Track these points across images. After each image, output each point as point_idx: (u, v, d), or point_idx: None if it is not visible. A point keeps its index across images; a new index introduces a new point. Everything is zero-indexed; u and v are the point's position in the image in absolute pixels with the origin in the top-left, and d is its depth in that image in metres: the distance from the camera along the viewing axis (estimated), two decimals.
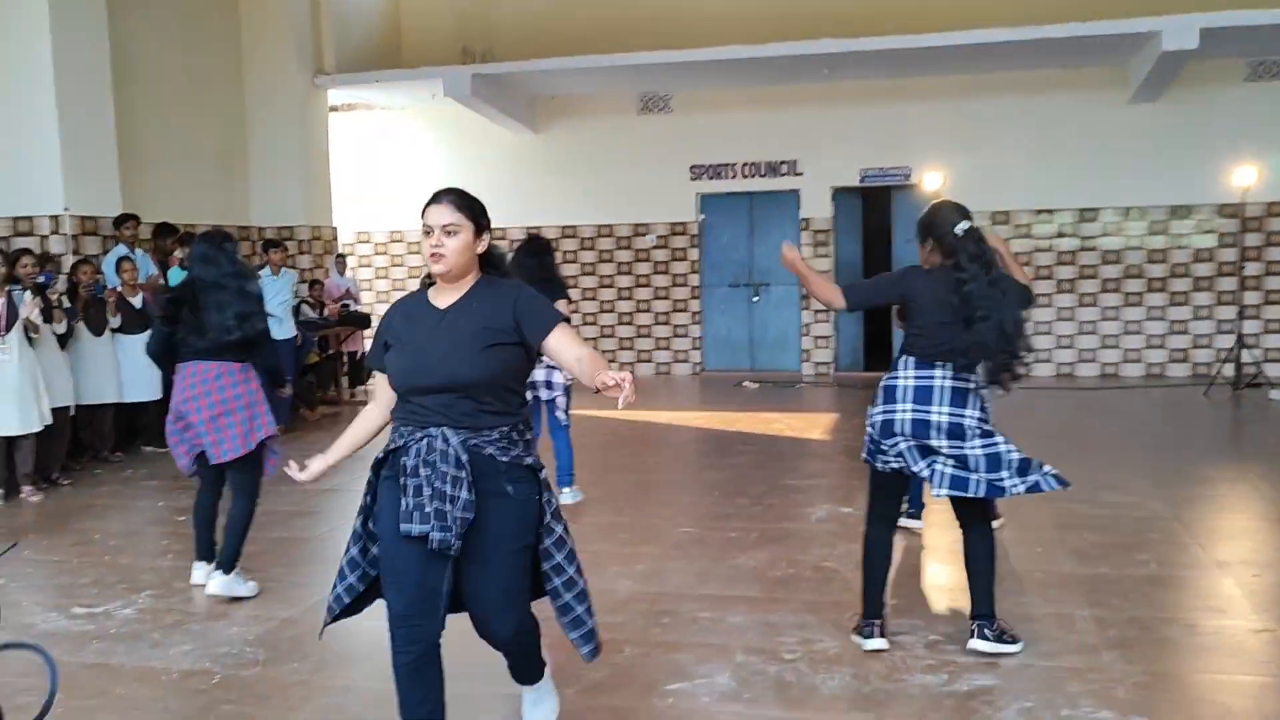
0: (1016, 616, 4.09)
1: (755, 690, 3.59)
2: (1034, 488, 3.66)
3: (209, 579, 4.73)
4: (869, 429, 3.85)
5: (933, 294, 3.76)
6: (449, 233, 2.78)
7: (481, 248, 2.86)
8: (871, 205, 13.09)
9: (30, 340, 6.96)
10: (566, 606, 2.91)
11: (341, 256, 12.31)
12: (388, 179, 13.77)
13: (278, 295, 9.19)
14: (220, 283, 4.72)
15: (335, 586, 2.92)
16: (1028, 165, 12.09)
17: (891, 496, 3.97)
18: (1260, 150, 11.06)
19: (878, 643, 3.87)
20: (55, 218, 8.66)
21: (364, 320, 11.70)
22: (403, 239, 14.03)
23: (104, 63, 8.97)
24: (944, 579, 4.80)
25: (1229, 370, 10.85)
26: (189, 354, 4.72)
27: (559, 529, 2.89)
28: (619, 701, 3.56)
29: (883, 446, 3.80)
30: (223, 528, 4.77)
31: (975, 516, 3.86)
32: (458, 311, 2.81)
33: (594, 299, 13.48)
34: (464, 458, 2.69)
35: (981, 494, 3.68)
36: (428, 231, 2.80)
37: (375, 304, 13.45)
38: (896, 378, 3.80)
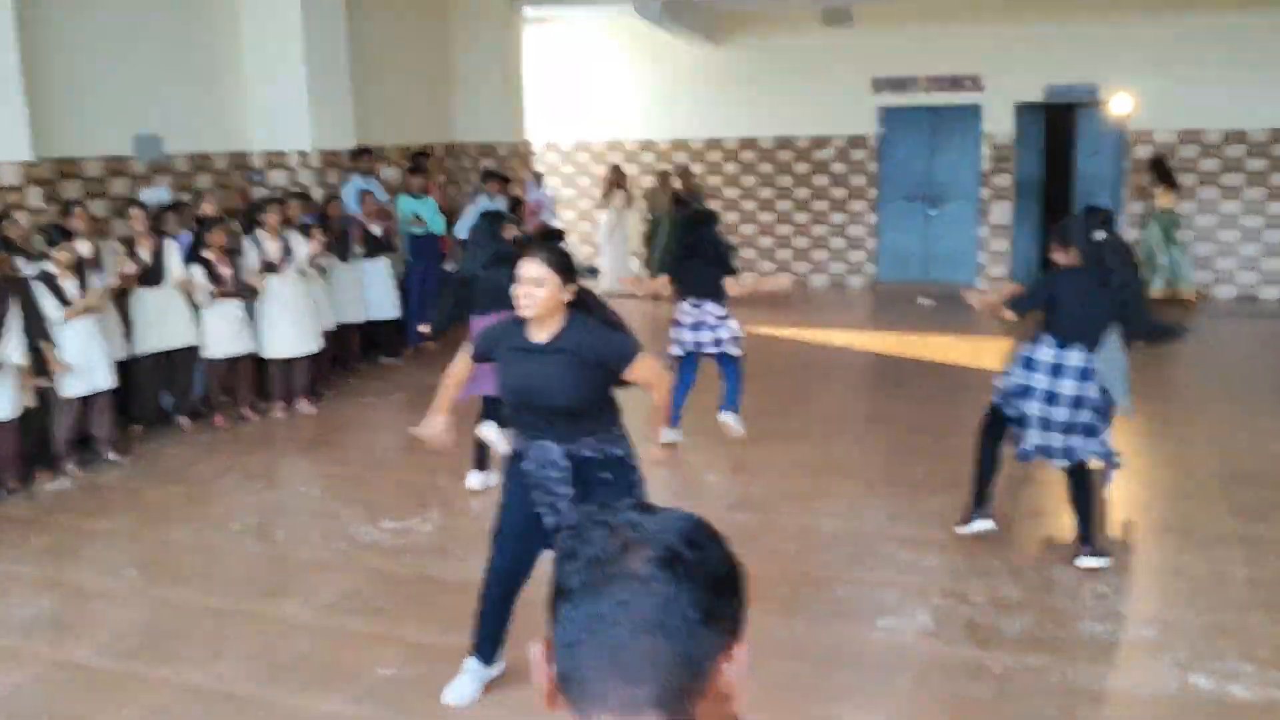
0: (1176, 572, 4.75)
1: (950, 630, 4.39)
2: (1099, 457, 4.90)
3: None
4: (1003, 384, 4.93)
5: (1075, 293, 4.73)
6: (537, 285, 3.46)
7: (567, 296, 3.52)
8: (1053, 122, 13.09)
9: (306, 272, 8.12)
10: None
11: (538, 173, 13.18)
12: (574, 90, 14.49)
13: None
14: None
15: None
16: (1219, 85, 11.87)
17: (1001, 425, 5.06)
18: None
19: (982, 525, 5.14)
20: (303, 154, 9.76)
21: (559, 234, 12.61)
22: (588, 149, 14.79)
23: (339, 6, 9.89)
24: (1121, 533, 5.44)
25: None
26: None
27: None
28: (840, 628, 4.42)
29: (1012, 402, 4.87)
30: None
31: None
32: (552, 347, 3.52)
33: (771, 210, 14.03)
34: (565, 463, 3.55)
35: (1061, 461, 4.82)
36: (519, 282, 3.48)
37: (564, 211, 14.36)
38: (1036, 353, 4.79)
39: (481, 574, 3.83)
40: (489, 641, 3.83)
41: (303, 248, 8.09)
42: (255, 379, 8.07)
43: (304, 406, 8.20)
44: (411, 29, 11.74)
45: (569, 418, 3.54)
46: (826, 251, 13.93)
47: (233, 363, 7.82)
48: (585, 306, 3.63)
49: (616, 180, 13.37)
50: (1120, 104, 11.47)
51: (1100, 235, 4.76)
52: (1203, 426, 7.09)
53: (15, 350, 6.11)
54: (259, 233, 7.95)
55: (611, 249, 13.52)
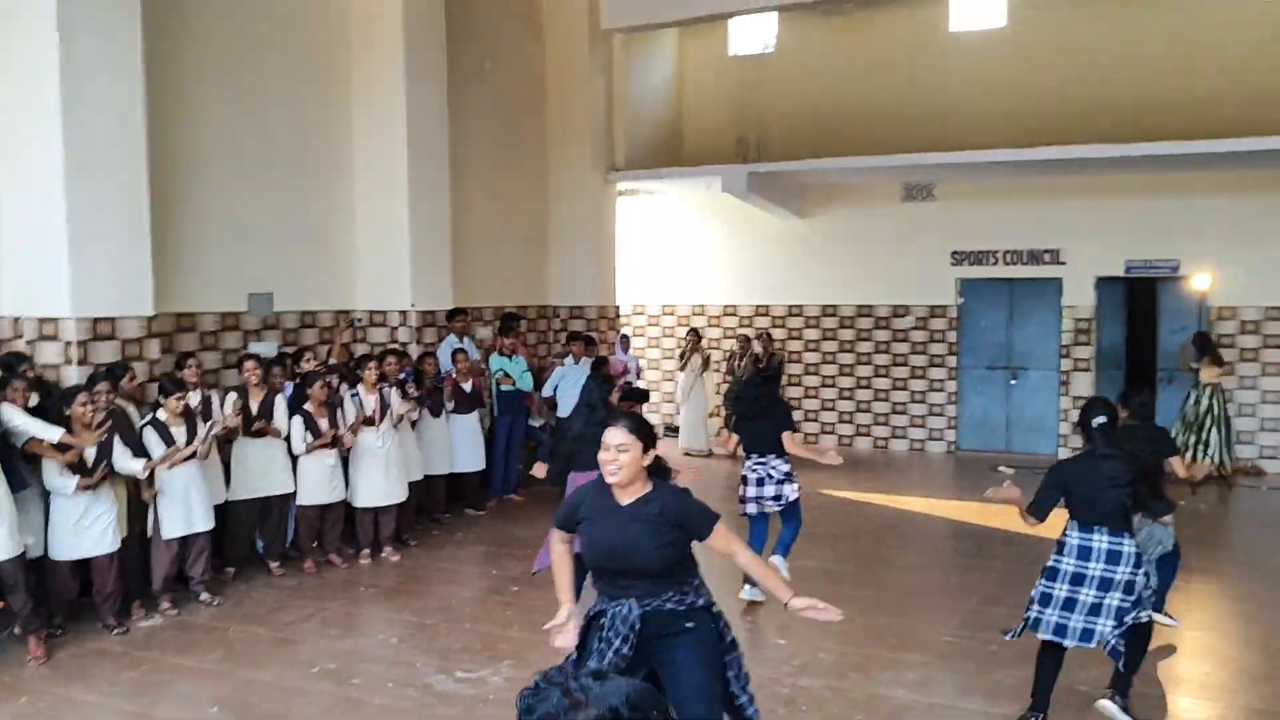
0: None
1: None
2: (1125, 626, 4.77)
3: None
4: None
5: (1081, 478, 4.90)
6: (621, 450, 3.66)
7: (648, 461, 3.72)
8: (1136, 294, 13.18)
9: (398, 425, 8.52)
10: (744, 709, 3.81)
11: (625, 336, 13.64)
12: (663, 257, 15.09)
13: (578, 382, 10.53)
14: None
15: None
16: None
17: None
18: None
19: None
20: (403, 313, 10.33)
21: (644, 395, 12.91)
22: (673, 312, 15.29)
23: (444, 173, 10.58)
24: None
25: None
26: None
27: (736, 652, 3.79)
28: None
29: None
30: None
31: None
32: (636, 511, 3.69)
33: (850, 374, 14.23)
34: (637, 625, 3.62)
35: (1088, 643, 4.78)
36: (605, 449, 3.67)
37: (648, 372, 14.75)
38: (1065, 544, 4.93)
39: None
40: None
41: (398, 403, 8.51)
42: (344, 526, 8.40)
43: (389, 554, 8.47)
44: (511, 197, 12.47)
45: (652, 579, 3.67)
46: (906, 417, 14.00)
47: (324, 510, 8.17)
48: (663, 474, 3.86)
49: (694, 343, 13.76)
50: (1201, 281, 11.53)
51: (1100, 420, 4.94)
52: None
53: (130, 461, 6.54)
54: (359, 387, 8.41)
55: (688, 409, 13.81)
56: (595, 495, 3.82)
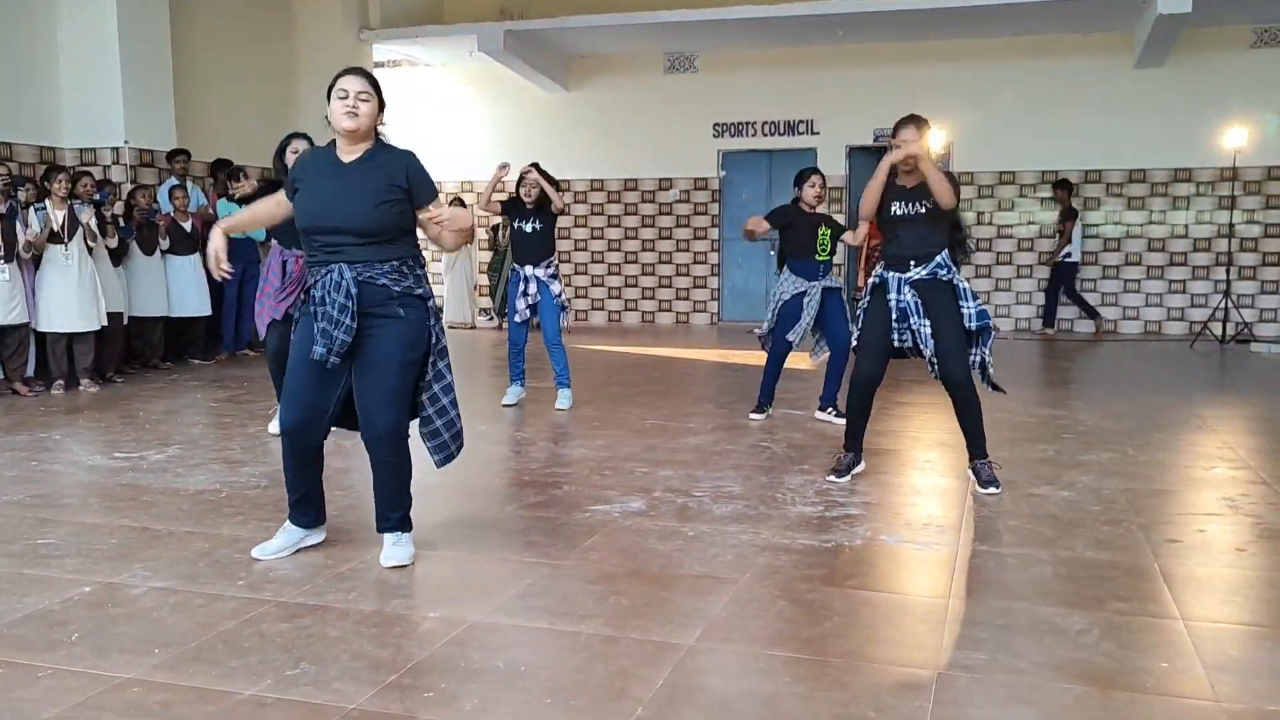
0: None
1: (660, 511, 4.30)
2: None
3: None
4: None
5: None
6: (362, 98, 3.42)
7: (381, 121, 3.51)
8: None
9: (89, 249, 7.86)
10: (429, 424, 3.58)
11: None
12: (427, 132, 14.58)
13: None
14: None
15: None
16: (1034, 128, 12.55)
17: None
18: (1261, 114, 11.44)
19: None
20: (116, 149, 9.56)
21: None
22: (441, 188, 14.81)
23: (163, 7, 9.84)
24: None
25: (1219, 327, 11.27)
26: None
27: (442, 366, 3.57)
28: (549, 514, 4.29)
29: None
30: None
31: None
32: (358, 167, 3.44)
33: (618, 250, 14.20)
34: (353, 290, 3.35)
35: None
36: (343, 95, 3.42)
37: None
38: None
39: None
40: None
41: (90, 220, 7.84)
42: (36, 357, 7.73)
43: (87, 386, 7.85)
44: (250, 43, 11.68)
45: (367, 243, 3.38)
46: (671, 290, 14.10)
47: (3, 333, 7.47)
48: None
49: None
50: (938, 146, 11.98)
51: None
52: None
53: None
54: (46, 202, 7.70)
55: (451, 282, 13.48)
56: (315, 159, 3.54)
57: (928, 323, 4.46)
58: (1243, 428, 6.57)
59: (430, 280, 3.69)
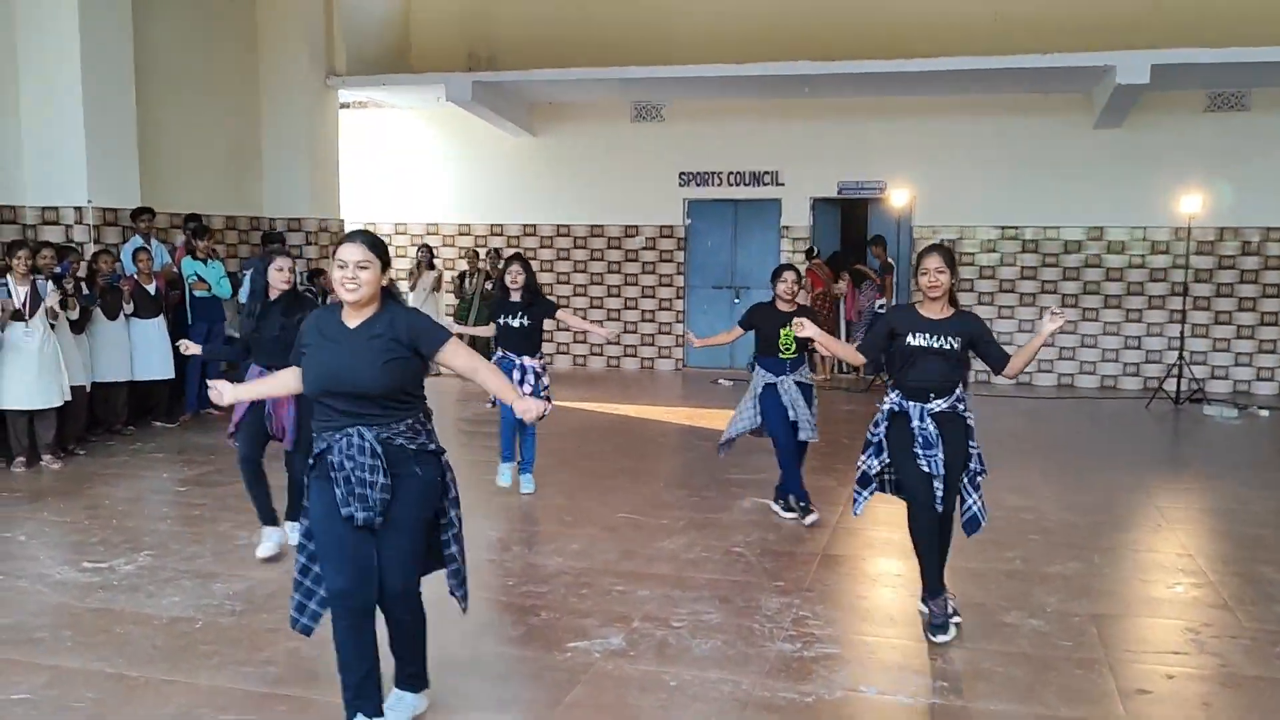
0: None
1: (640, 649, 4.33)
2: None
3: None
4: None
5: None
6: (361, 267, 3.34)
7: (385, 281, 3.43)
8: (849, 215, 13.77)
9: (52, 325, 7.75)
10: (456, 574, 3.60)
11: None
12: (394, 174, 14.54)
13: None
14: None
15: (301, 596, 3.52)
16: (994, 184, 12.78)
17: None
18: (1214, 178, 11.73)
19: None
20: (79, 209, 9.44)
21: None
22: (406, 230, 14.78)
23: (128, 62, 9.73)
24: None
25: (1172, 385, 11.52)
26: None
27: (453, 513, 3.56)
28: (527, 653, 4.31)
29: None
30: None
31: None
32: (363, 332, 3.37)
33: (584, 294, 14.23)
34: (378, 449, 3.32)
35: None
36: (342, 266, 3.35)
37: None
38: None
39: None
40: None
41: (51, 296, 7.73)
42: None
43: (49, 462, 7.74)
44: (215, 94, 11.61)
45: (379, 405, 3.33)
46: (636, 336, 14.16)
47: None
48: (394, 297, 3.53)
49: (426, 260, 13.34)
50: (900, 201, 12.17)
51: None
52: None
53: None
54: (8, 277, 7.58)
55: None
56: (321, 322, 3.44)
57: (941, 456, 4.43)
58: (1200, 527, 6.74)
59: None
